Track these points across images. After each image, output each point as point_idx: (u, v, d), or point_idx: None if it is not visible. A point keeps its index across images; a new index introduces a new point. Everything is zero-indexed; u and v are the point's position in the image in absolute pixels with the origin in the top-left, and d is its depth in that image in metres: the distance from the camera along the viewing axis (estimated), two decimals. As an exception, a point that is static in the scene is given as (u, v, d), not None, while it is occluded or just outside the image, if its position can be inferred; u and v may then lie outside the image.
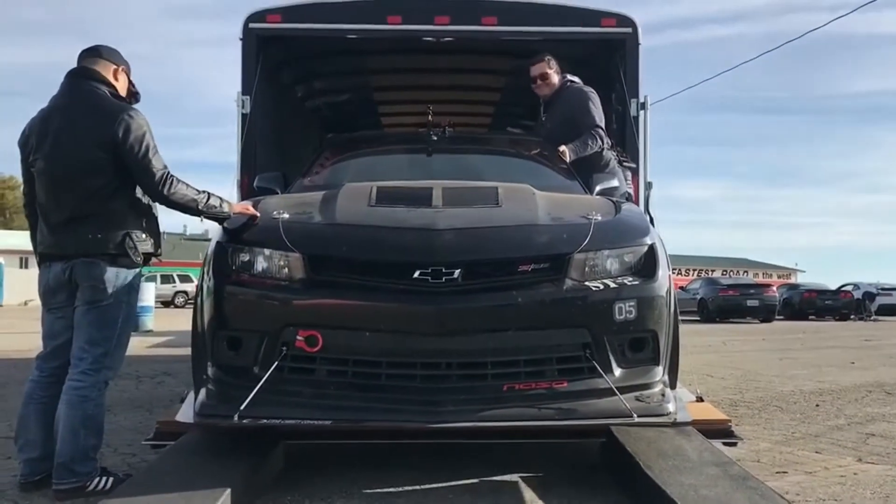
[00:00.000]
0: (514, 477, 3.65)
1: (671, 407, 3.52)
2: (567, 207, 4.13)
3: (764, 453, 4.40)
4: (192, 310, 3.93)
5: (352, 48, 7.08)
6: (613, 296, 3.55)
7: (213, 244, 3.80)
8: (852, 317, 30.06)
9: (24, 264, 42.34)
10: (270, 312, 3.54)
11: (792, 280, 55.85)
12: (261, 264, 3.65)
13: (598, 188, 5.02)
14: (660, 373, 3.69)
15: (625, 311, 3.57)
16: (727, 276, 45.16)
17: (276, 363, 3.46)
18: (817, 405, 6.29)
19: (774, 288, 29.44)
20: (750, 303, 25.55)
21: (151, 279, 24.19)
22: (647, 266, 3.73)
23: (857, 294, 31.76)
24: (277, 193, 4.83)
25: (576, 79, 5.96)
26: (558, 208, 4.01)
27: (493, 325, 3.44)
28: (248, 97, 6.03)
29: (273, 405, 3.41)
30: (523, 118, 7.28)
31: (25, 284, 39.88)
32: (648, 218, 4.71)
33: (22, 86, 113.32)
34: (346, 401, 3.41)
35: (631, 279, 3.66)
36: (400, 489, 3.47)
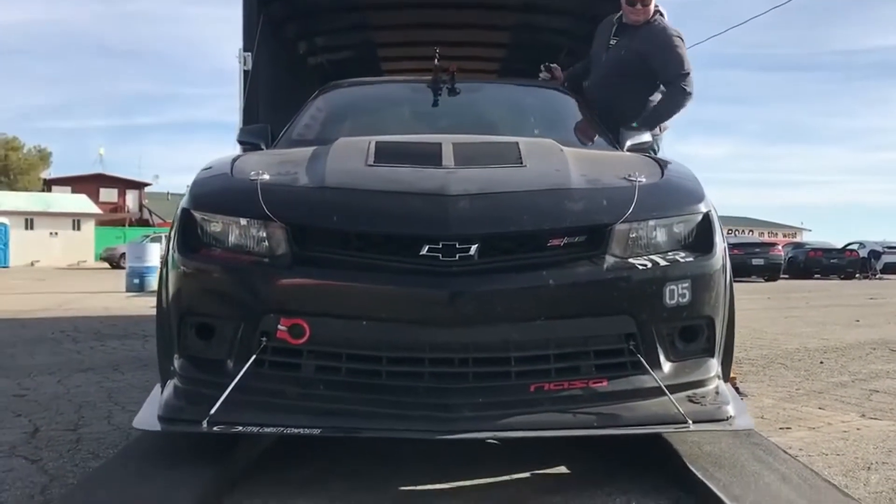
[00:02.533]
0: (525, 474, 2.98)
1: (730, 409, 2.85)
2: (603, 167, 3.41)
3: (768, 410, 4.26)
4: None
5: (354, 3, 6.77)
6: (664, 276, 2.87)
7: (178, 210, 3.10)
8: (858, 275, 29.55)
9: (29, 225, 41.77)
10: (246, 295, 2.86)
11: (798, 239, 55.07)
12: (235, 236, 2.95)
13: (628, 143, 4.29)
14: (714, 366, 3.01)
15: (677, 294, 2.88)
16: (732, 234, 44.43)
17: (253, 357, 2.79)
18: (821, 362, 6.15)
19: (780, 247, 28.86)
20: (755, 261, 25.17)
21: (156, 240, 23.62)
22: (702, 238, 3.03)
23: (863, 253, 31.25)
24: (261, 149, 4.12)
25: (664, 13, 5.15)
26: (593, 168, 3.29)
27: (518, 313, 2.76)
28: (250, 53, 5.78)
29: (250, 409, 2.75)
30: (538, 61, 6.62)
31: (31, 245, 39.51)
32: None
33: (23, 44, 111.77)
34: (338, 404, 2.75)
35: (684, 255, 2.97)
36: (408, 488, 2.80)
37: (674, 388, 2.83)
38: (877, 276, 30.33)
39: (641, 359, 2.84)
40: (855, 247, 31.90)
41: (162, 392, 2.95)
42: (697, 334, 2.99)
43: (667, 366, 2.90)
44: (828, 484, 2.77)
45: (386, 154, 3.29)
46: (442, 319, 2.71)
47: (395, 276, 2.75)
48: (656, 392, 2.81)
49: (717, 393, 2.93)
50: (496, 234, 2.80)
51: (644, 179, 3.04)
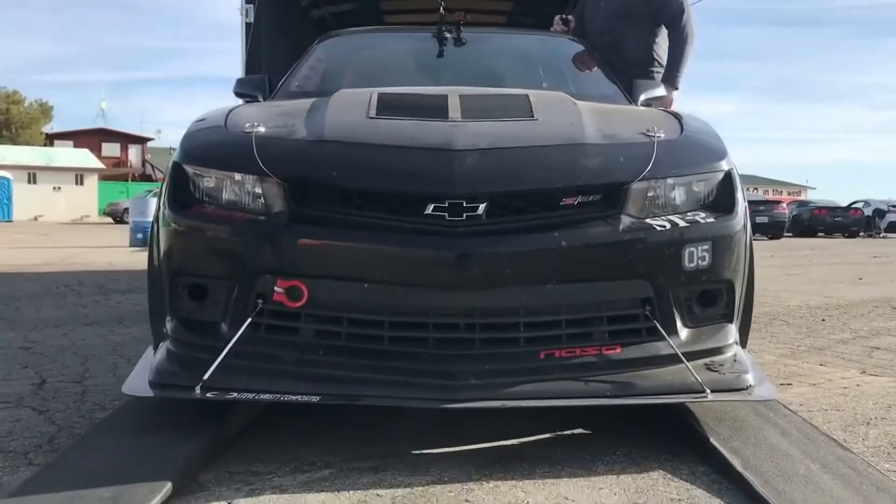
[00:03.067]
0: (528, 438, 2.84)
1: (750, 378, 2.70)
2: (619, 122, 3.22)
3: (769, 366, 4.23)
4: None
5: None
6: (682, 237, 2.70)
7: (170, 164, 2.92)
8: (862, 234, 29.34)
9: (32, 180, 41.56)
10: (241, 255, 2.69)
11: (802, 197, 54.69)
12: (228, 192, 2.77)
13: (642, 97, 4.09)
14: (733, 332, 2.86)
15: (696, 256, 2.71)
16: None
17: (249, 320, 2.64)
18: (823, 320, 6.13)
19: (784, 205, 28.65)
20: (759, 219, 24.86)
21: (158, 195, 23.37)
22: (723, 198, 2.86)
23: (868, 211, 31.01)
24: (259, 101, 3.92)
25: None
26: (609, 123, 3.10)
27: (528, 276, 2.59)
28: (252, 6, 5.62)
29: (245, 374, 2.60)
30: (544, 15, 6.38)
31: (35, 200, 39.33)
32: None
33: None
34: (338, 370, 2.59)
35: (704, 215, 2.79)
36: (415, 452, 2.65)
37: (691, 356, 2.68)
38: (881, 235, 30.13)
39: (657, 324, 2.68)
40: (860, 205, 31.62)
41: (154, 355, 2.81)
42: (716, 299, 2.83)
43: (683, 332, 2.74)
44: (827, 438, 2.75)
45: (388, 106, 3.09)
46: (447, 282, 2.54)
47: (398, 237, 2.58)
48: (672, 359, 2.66)
49: (735, 360, 2.78)
50: (506, 193, 2.62)
51: (663, 135, 2.84)
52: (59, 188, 42.30)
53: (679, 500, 2.30)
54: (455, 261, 2.52)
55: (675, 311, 2.72)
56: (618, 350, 2.66)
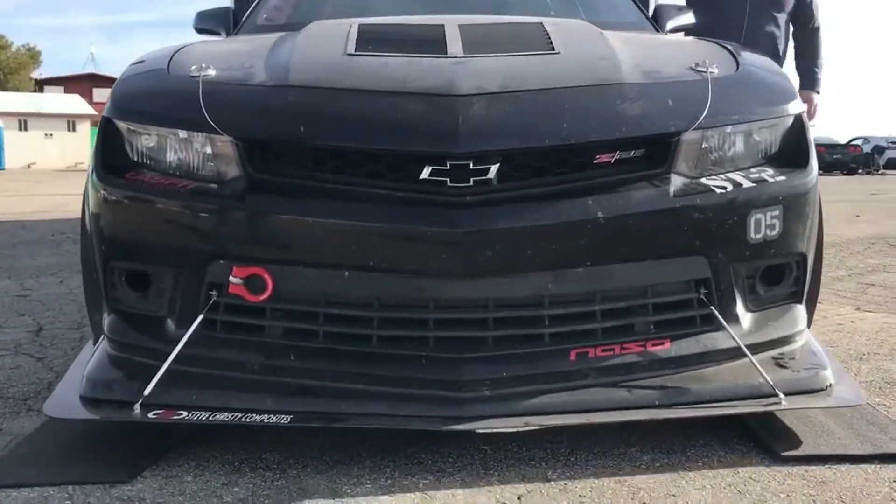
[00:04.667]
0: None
1: (829, 375, 2.13)
2: (660, 54, 2.58)
3: None
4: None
5: None
6: (748, 201, 2.10)
7: (101, 120, 2.29)
8: (861, 171, 28.71)
9: (23, 127, 40.58)
10: (186, 235, 2.09)
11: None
12: (171, 154, 2.16)
13: (669, 24, 3.40)
14: (803, 316, 2.28)
15: (764, 225, 2.12)
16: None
17: (200, 317, 2.05)
18: None
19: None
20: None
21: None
22: (794, 149, 2.25)
23: (867, 148, 30.33)
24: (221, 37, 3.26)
25: None
26: (647, 56, 2.45)
27: (555, 257, 1.99)
28: None
29: (198, 386, 2.03)
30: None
31: (26, 148, 38.42)
32: None
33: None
34: (315, 380, 2.02)
35: (772, 172, 2.18)
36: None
37: (755, 348, 2.11)
38: (880, 172, 29.52)
39: (714, 311, 2.10)
40: (859, 142, 30.92)
41: (89, 359, 2.22)
42: (783, 275, 2.24)
43: (745, 318, 2.17)
44: None
45: (372, 39, 2.43)
46: (451, 267, 1.95)
47: (387, 209, 1.97)
48: (733, 354, 2.09)
49: (810, 352, 2.21)
50: (524, 150, 2.00)
51: (716, 71, 2.21)
52: (51, 135, 41.26)
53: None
54: (460, 239, 1.92)
55: (735, 292, 2.14)
56: (666, 345, 2.08)
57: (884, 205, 11.84)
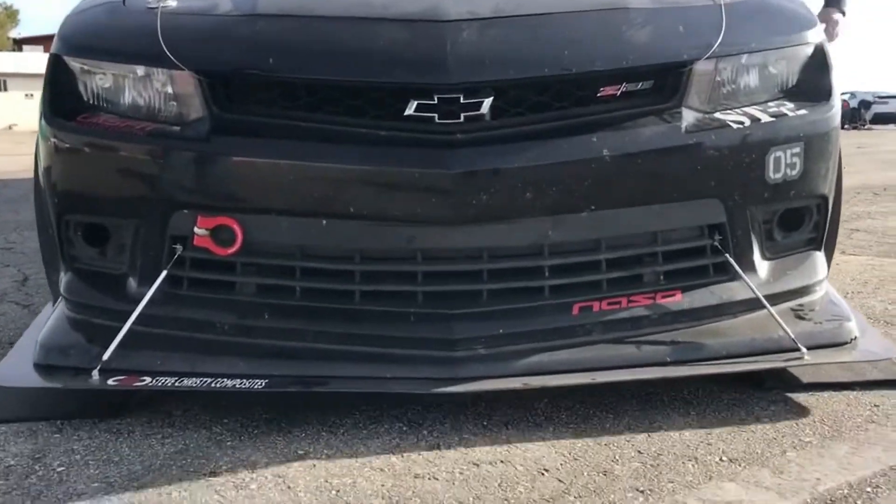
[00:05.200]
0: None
1: (853, 327, 1.95)
2: None
3: None
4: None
5: None
6: (767, 137, 1.90)
7: (49, 59, 2.05)
8: (847, 126, 28.49)
9: (2, 87, 39.75)
10: (146, 183, 1.87)
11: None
12: (128, 94, 1.93)
13: None
14: (822, 264, 2.09)
15: (784, 163, 1.92)
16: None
17: (164, 273, 1.84)
18: None
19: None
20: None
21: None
22: (815, 81, 2.04)
23: (854, 103, 30.05)
24: None
25: None
26: None
27: (555, 200, 1.79)
28: None
29: (163, 349, 1.83)
30: None
31: (7, 108, 37.64)
32: None
33: None
34: (292, 340, 1.82)
35: (792, 106, 1.97)
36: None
37: (773, 299, 1.92)
38: (866, 127, 29.30)
39: (730, 258, 1.90)
40: (846, 97, 30.56)
41: (46, 322, 2.01)
42: (802, 220, 2.05)
43: (762, 266, 1.98)
44: None
45: None
46: (441, 213, 1.75)
47: (368, 150, 1.76)
48: (750, 305, 1.91)
49: (831, 303, 2.03)
50: (520, 81, 1.79)
51: None
52: (32, 95, 40.41)
53: None
54: (451, 181, 1.71)
55: (752, 238, 1.95)
56: (677, 297, 1.90)
57: (870, 157, 11.87)
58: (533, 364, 1.77)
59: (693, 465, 1.58)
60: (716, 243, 1.91)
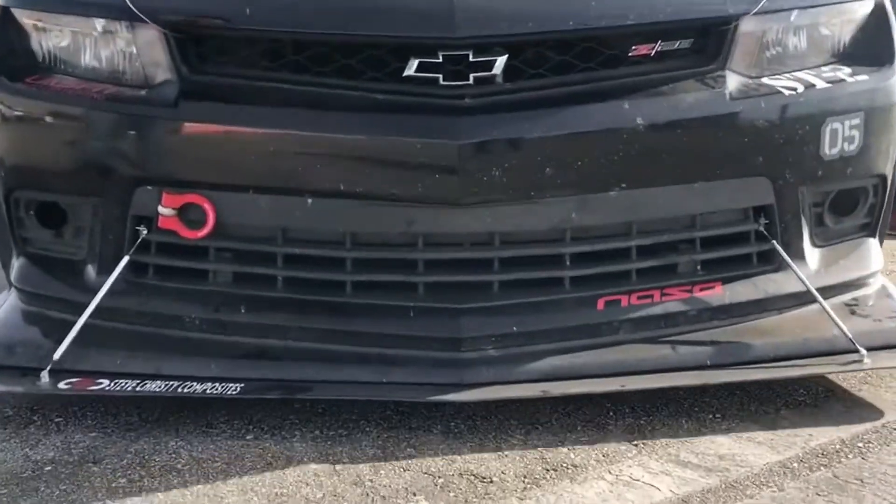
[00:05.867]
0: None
1: None
2: None
3: None
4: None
5: None
6: (822, 106, 1.63)
7: None
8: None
9: None
10: (105, 155, 1.61)
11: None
12: (87, 53, 1.66)
13: None
14: (877, 252, 1.83)
15: (841, 137, 1.66)
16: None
17: (126, 259, 1.58)
18: None
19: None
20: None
21: None
22: (875, 42, 1.78)
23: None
24: None
25: None
26: None
27: (580, 177, 1.52)
28: None
29: (124, 347, 1.58)
30: None
31: None
32: None
33: None
34: (273, 338, 1.57)
35: (849, 71, 1.71)
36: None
37: (823, 293, 1.67)
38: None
39: (777, 245, 1.64)
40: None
41: None
42: (857, 202, 1.79)
43: (812, 255, 1.72)
44: None
45: None
46: (446, 192, 1.49)
47: (362, 116, 1.50)
48: (799, 300, 1.66)
49: (888, 297, 1.78)
50: (539, 37, 1.52)
51: None
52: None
53: None
54: (458, 154, 1.45)
55: (803, 223, 1.69)
56: (717, 289, 1.64)
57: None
58: (551, 368, 1.52)
59: (686, 421, 1.51)
60: (761, 228, 1.65)
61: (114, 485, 1.31)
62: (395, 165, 1.49)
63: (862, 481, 1.33)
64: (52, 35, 1.69)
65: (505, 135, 1.47)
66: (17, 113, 1.67)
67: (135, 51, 1.61)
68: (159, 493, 1.28)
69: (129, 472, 1.35)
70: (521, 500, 1.26)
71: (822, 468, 1.38)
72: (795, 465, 1.38)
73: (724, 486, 1.31)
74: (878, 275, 1.82)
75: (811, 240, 1.73)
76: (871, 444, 1.46)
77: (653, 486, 1.30)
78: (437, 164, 1.46)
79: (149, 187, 1.57)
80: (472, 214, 1.52)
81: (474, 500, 1.25)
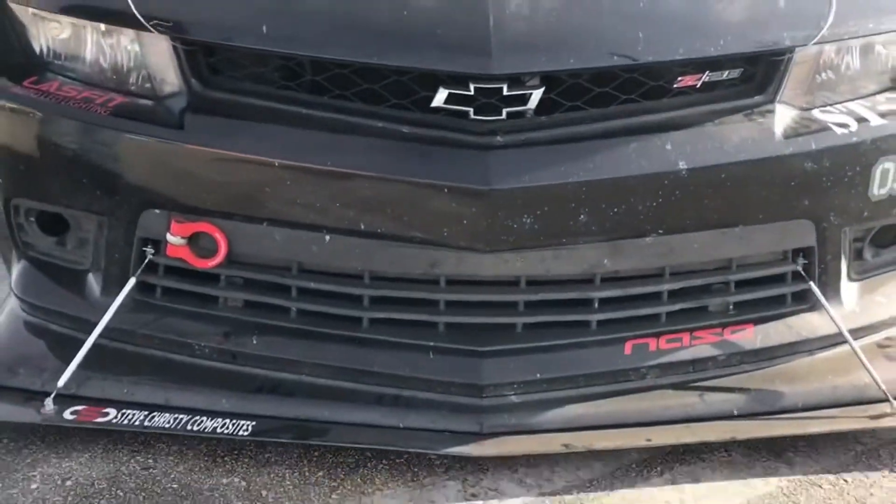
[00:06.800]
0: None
1: None
2: None
3: None
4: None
5: None
6: (877, 143, 1.52)
7: None
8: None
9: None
10: (109, 173, 1.51)
11: None
12: (90, 56, 1.54)
13: None
14: None
15: (892, 176, 1.55)
16: None
17: (132, 281, 1.50)
18: None
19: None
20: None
21: None
22: None
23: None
24: None
25: None
26: None
27: (615, 222, 1.43)
28: None
29: (130, 374, 1.52)
30: None
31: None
32: None
33: None
34: (285, 372, 1.50)
35: None
36: None
37: (857, 333, 1.59)
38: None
39: (814, 286, 1.56)
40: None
41: None
42: None
43: (848, 291, 1.64)
44: None
45: None
46: (473, 237, 1.39)
47: (385, 150, 1.39)
48: (832, 340, 1.58)
49: None
50: (577, 69, 1.40)
51: None
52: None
53: None
54: (488, 200, 1.35)
55: (842, 261, 1.60)
56: (748, 331, 1.57)
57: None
58: (575, 416, 1.46)
59: None
60: (799, 269, 1.57)
61: None
62: (420, 207, 1.39)
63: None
64: (50, 30, 1.57)
65: (538, 181, 1.36)
66: (14, 118, 1.56)
67: (141, 58, 1.48)
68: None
69: None
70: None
71: None
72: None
73: None
74: None
75: (848, 274, 1.65)
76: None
77: None
78: (465, 209, 1.36)
79: (157, 211, 1.47)
80: (499, 259, 1.43)
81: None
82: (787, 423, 1.51)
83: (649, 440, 1.44)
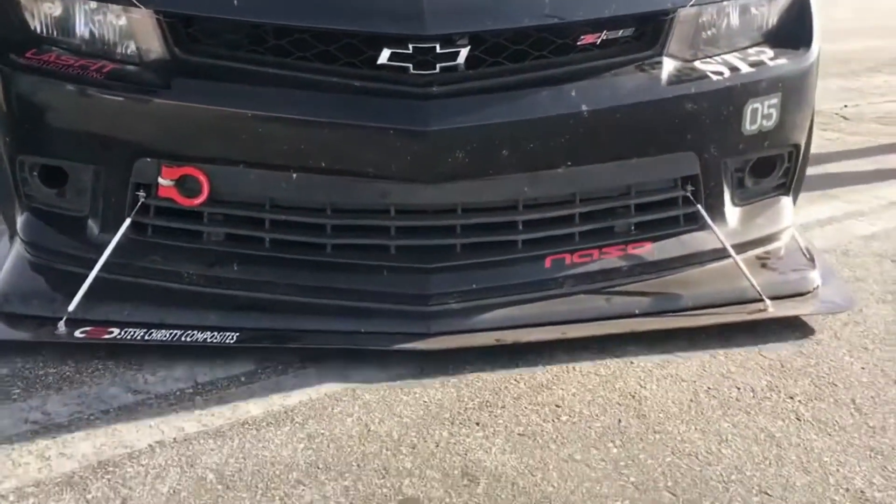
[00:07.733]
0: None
1: (816, 276, 1.97)
2: None
3: None
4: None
5: None
6: (746, 88, 1.84)
7: None
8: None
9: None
10: (103, 129, 1.76)
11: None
12: (82, 27, 1.79)
13: None
14: (789, 209, 2.09)
15: (760, 115, 1.88)
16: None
17: (128, 221, 1.77)
18: None
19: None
20: None
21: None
22: (795, 26, 1.98)
23: None
24: None
25: None
26: None
27: (533, 156, 1.74)
28: None
29: (130, 299, 1.77)
30: None
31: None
32: None
33: None
34: (262, 292, 1.78)
35: (771, 55, 1.92)
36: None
37: (740, 248, 1.92)
38: None
39: (700, 209, 1.89)
40: None
41: (4, 264, 1.92)
42: (774, 167, 2.03)
43: (732, 214, 1.97)
44: None
45: None
46: (416, 171, 1.68)
47: (341, 100, 1.67)
48: (718, 254, 1.91)
49: (796, 250, 2.03)
50: (497, 30, 1.70)
51: None
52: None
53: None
54: (427, 139, 1.65)
55: (724, 187, 1.93)
56: (647, 247, 1.89)
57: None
58: (505, 318, 1.76)
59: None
60: (688, 194, 1.89)
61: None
62: (371, 147, 1.67)
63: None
64: (45, 5, 1.80)
65: (468, 122, 1.65)
66: (19, 85, 1.80)
67: (128, 28, 1.73)
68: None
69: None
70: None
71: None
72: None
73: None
74: (790, 230, 2.08)
75: (732, 200, 1.97)
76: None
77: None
78: (408, 148, 1.65)
79: (148, 159, 1.73)
80: (438, 189, 1.72)
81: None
82: (680, 318, 1.84)
83: (564, 333, 1.76)
